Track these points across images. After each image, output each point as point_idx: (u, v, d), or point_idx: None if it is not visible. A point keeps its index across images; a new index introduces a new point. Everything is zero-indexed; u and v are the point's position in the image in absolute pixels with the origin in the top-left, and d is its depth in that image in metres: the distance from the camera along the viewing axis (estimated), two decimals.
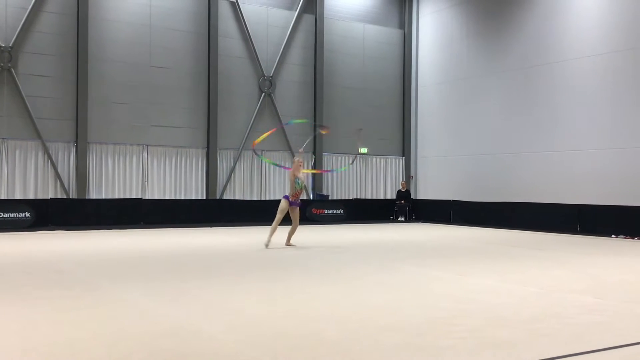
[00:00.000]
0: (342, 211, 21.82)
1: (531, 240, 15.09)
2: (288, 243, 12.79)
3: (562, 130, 18.61)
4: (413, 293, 7.28)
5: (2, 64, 17.53)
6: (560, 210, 17.84)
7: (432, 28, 23.70)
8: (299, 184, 12.38)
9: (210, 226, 18.50)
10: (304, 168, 12.12)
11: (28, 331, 5.21)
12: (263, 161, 13.45)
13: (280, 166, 18.78)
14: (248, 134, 21.09)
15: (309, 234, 16.07)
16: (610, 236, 16.03)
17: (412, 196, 23.64)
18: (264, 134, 15.37)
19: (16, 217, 16.66)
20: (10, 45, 17.65)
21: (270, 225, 12.63)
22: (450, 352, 4.67)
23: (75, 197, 18.44)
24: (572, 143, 18.32)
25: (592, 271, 9.44)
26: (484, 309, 6.29)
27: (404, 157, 24.46)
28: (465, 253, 11.92)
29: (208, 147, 20.51)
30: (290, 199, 12.43)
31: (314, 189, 22.52)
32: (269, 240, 12.31)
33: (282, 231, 12.95)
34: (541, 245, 13.63)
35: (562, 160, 18.55)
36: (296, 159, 12.70)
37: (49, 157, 18.23)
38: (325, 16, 22.63)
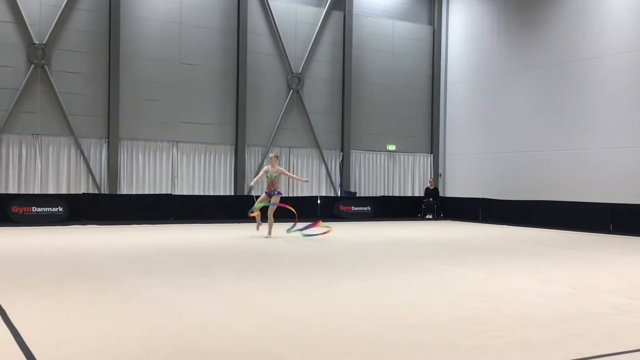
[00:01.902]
0: (369, 208, 21.77)
1: (562, 239, 14.88)
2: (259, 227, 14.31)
3: (595, 128, 18.29)
4: (441, 291, 7.23)
5: (36, 61, 17.87)
6: (593, 209, 17.53)
7: (462, 24, 23.48)
8: (268, 177, 14.00)
9: (239, 222, 18.61)
10: (277, 164, 14.27)
11: (60, 324, 5.31)
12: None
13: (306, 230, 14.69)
14: (276, 130, 21.18)
15: (335, 231, 16.08)
16: None
17: (440, 194, 23.49)
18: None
19: (49, 211, 16.99)
20: (44, 42, 17.98)
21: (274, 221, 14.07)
22: (480, 352, 4.64)
23: (106, 192, 18.74)
24: (605, 141, 18.00)
25: (624, 271, 9.28)
26: (514, 309, 6.22)
27: (432, 155, 24.30)
28: (494, 252, 11.81)
29: (236, 144, 20.64)
30: (266, 191, 14.01)
31: (341, 186, 22.52)
32: (269, 233, 13.92)
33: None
34: (573, 245, 13.43)
35: (595, 158, 18.24)
36: (272, 155, 14.32)
37: (82, 153, 18.54)
38: (354, 13, 22.58)
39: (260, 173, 14.43)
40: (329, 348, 4.70)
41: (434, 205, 22.60)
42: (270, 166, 14.09)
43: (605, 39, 18.09)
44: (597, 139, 18.23)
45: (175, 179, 19.87)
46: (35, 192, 17.83)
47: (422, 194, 23.40)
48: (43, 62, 17.97)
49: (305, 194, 21.66)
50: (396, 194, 23.57)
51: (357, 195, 22.53)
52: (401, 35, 23.63)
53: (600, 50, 18.22)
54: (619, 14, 17.78)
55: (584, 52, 18.67)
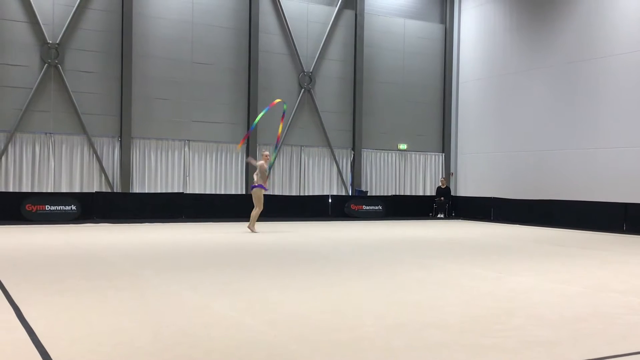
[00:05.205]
0: (380, 207, 21.75)
1: (575, 239, 14.80)
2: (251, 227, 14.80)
3: (608, 127, 18.17)
4: (453, 291, 7.22)
5: (49, 61, 18.01)
6: (606, 208, 17.42)
7: (474, 23, 23.39)
8: (266, 173, 14.95)
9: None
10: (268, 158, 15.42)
11: (75, 321, 5.35)
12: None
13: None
14: (287, 129, 21.20)
15: (347, 230, 16.10)
16: None
17: (452, 193, 23.43)
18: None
19: (63, 209, 17.11)
20: (57, 42, 18.11)
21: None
22: (493, 351, 4.63)
23: (119, 190, 18.85)
24: (617, 140, 17.88)
25: (637, 271, 9.22)
26: (526, 308, 6.21)
27: (443, 154, 24.24)
28: (506, 251, 11.77)
29: (248, 143, 20.67)
30: (264, 186, 14.91)
31: (352, 184, 22.51)
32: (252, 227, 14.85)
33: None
34: (585, 244, 13.36)
35: (608, 157, 18.12)
36: (265, 153, 15.32)
37: (94, 152, 18.66)
38: (365, 12, 22.56)
39: (264, 168, 15.01)
40: (343, 347, 4.71)
41: (445, 205, 22.55)
42: (264, 162, 15.02)
43: (618, 37, 17.96)
44: (609, 138, 18.11)
45: (187, 177, 19.95)
46: (49, 191, 17.97)
47: (434, 193, 23.35)
48: (56, 61, 18.10)
49: (317, 192, 21.67)
50: (407, 193, 23.53)
51: (369, 194, 22.51)
52: (413, 34, 23.58)
53: (613, 49, 18.09)
54: (631, 12, 17.65)
55: (597, 51, 18.54)
